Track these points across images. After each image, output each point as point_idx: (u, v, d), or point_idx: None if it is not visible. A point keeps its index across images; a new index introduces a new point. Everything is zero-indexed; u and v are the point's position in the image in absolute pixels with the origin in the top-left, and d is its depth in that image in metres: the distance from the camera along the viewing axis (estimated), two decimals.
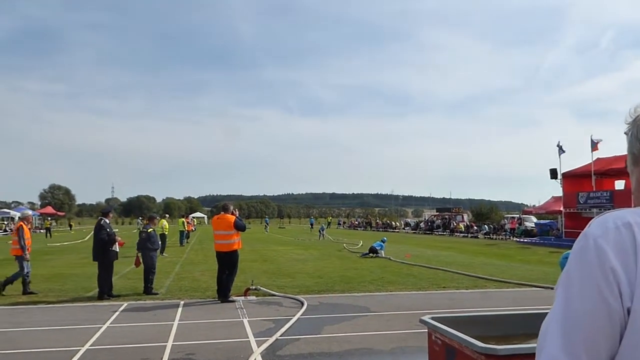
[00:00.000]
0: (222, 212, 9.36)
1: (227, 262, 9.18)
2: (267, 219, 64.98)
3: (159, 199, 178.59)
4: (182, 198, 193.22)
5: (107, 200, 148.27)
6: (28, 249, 10.02)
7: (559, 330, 0.85)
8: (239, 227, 9.19)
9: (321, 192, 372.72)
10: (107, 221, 9.94)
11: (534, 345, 2.95)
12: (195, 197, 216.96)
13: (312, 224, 59.14)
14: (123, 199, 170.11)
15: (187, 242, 26.99)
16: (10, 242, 10.48)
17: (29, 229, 10.33)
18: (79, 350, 5.82)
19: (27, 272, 9.92)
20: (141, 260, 10.20)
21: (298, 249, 22.99)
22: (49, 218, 52.89)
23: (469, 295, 9.79)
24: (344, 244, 26.07)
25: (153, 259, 10.14)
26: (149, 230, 10.38)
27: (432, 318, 3.70)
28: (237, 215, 9.43)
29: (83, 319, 7.49)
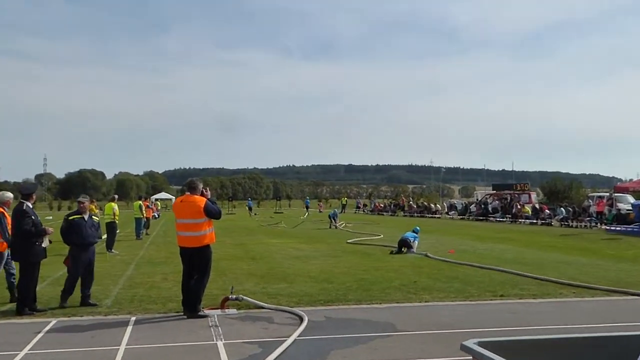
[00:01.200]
0: (188, 193, 9.26)
1: (196, 262, 9.10)
2: (250, 201, 66.23)
3: (109, 175, 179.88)
4: (141, 173, 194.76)
5: (38, 177, 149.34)
6: None
7: None
8: (212, 213, 9.06)
9: (333, 163, 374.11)
10: (30, 205, 9.84)
11: None
12: (160, 171, 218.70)
13: (307, 206, 60.96)
14: (60, 174, 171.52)
15: (146, 234, 27.14)
16: None
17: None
18: None
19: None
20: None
21: (298, 242, 23.04)
22: None
23: (537, 307, 9.67)
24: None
25: (76, 259, 10.05)
26: (71, 218, 10.28)
27: (480, 343, 3.54)
28: (209, 196, 9.30)
29: None
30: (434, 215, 50.98)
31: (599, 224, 33.73)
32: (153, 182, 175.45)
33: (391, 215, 56.36)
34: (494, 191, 54.12)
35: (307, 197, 76.77)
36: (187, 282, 9.13)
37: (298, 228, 34.37)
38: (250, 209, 62.48)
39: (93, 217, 10.65)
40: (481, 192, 65.59)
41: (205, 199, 9.07)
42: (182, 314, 8.98)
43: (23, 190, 10.41)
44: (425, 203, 58.25)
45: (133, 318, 8.84)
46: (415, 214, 53.09)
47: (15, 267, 10.28)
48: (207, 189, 9.50)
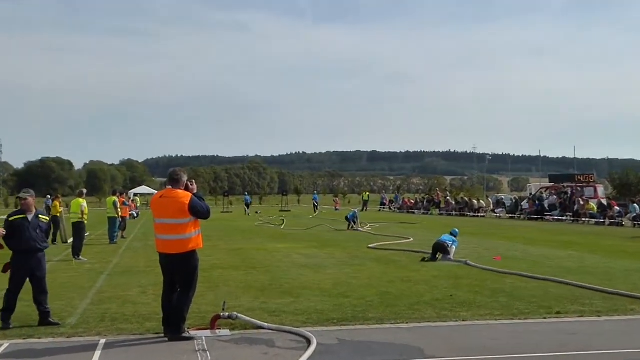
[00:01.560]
0: (169, 187, 9.25)
1: (179, 272, 9.09)
2: (247, 197, 67.09)
3: (78, 164, 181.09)
4: (117, 162, 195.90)
5: None
6: None
7: None
8: (199, 212, 9.02)
9: (353, 150, 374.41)
10: None
11: None
12: (140, 160, 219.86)
13: (316, 202, 62.28)
14: (18, 164, 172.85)
15: (121, 237, 27.22)
16: None
17: None
18: None
19: None
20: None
21: (308, 247, 23.13)
22: None
23: (602, 326, 9.62)
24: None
25: (17, 269, 10.04)
26: (12, 219, 10.16)
27: None
28: (195, 190, 9.28)
29: None
30: (476, 214, 50.88)
31: None
32: (131, 174, 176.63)
33: (424, 213, 56.24)
34: (551, 184, 53.87)
35: (316, 192, 77.48)
36: (169, 296, 9.11)
37: (306, 229, 34.40)
38: (247, 206, 62.87)
39: (40, 216, 10.39)
40: (535, 184, 65.29)
41: (190, 194, 9.03)
42: (162, 335, 8.97)
43: None
44: (466, 199, 58.08)
45: (103, 340, 8.84)
46: (454, 212, 52.99)
47: None
48: (193, 181, 9.46)
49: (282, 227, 37.22)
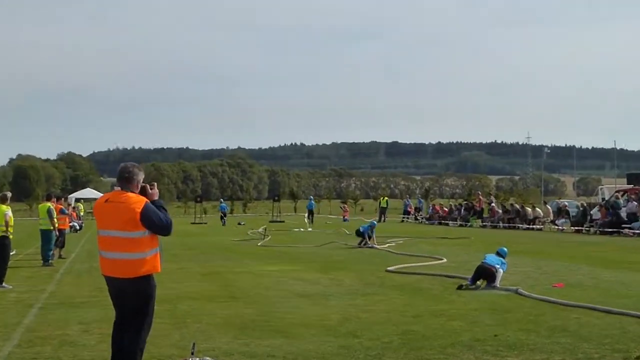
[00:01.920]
0: (118, 188, 9.15)
1: (129, 304, 9.03)
2: (223, 204, 67.74)
3: (2, 160, 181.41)
4: (54, 157, 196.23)
5: None
6: None
7: None
8: (154, 224, 8.85)
9: (367, 141, 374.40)
10: None
11: None
12: (85, 154, 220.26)
13: (311, 210, 62.61)
14: None
15: (59, 257, 27.21)
16: None
17: None
18: None
19: None
20: None
21: (307, 270, 23.22)
22: None
23: None
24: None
25: None
26: None
27: None
28: (156, 196, 9.19)
29: None
30: (531, 226, 50.78)
31: None
32: (73, 172, 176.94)
33: (461, 225, 56.28)
34: (630, 185, 53.76)
35: (312, 198, 77.37)
36: (119, 335, 9.05)
37: (305, 248, 34.37)
38: (224, 214, 63.09)
39: None
40: (609, 187, 65.29)
41: (144, 200, 8.89)
42: None
43: None
44: (518, 205, 58.13)
45: None
46: (501, 224, 52.94)
47: None
48: (155, 185, 9.28)
49: (259, 244, 37.07)
